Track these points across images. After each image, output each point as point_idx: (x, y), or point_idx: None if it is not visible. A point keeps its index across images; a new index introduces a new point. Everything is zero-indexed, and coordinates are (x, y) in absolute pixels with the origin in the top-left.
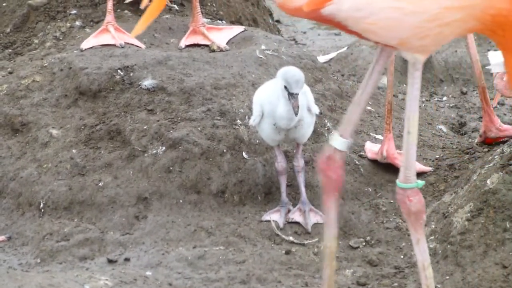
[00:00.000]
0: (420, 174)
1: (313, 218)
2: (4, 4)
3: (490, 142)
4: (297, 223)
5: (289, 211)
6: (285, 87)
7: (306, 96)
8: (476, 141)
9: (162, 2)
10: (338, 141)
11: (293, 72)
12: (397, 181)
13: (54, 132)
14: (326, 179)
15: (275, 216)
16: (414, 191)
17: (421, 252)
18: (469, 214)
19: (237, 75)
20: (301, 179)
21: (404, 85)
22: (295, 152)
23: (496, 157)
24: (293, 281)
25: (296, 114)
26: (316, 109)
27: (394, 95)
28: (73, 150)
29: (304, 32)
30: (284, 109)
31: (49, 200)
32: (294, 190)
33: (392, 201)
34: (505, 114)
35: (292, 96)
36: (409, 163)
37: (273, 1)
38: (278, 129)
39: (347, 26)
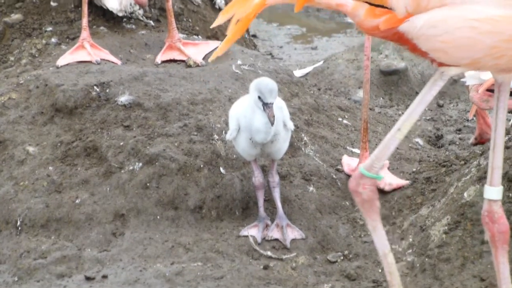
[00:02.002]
0: (397, 188)
1: (291, 234)
2: None
3: (484, 142)
4: (274, 238)
5: (267, 225)
6: (259, 97)
7: (282, 111)
8: (470, 141)
9: (245, 24)
10: (490, 191)
11: (266, 82)
12: (361, 166)
13: (31, 149)
14: (495, 234)
15: (253, 231)
16: (372, 182)
17: (380, 239)
18: (446, 227)
19: (213, 90)
20: (276, 194)
21: (381, 98)
22: (270, 167)
23: (473, 169)
24: None
25: (272, 123)
26: (291, 125)
27: (370, 109)
28: (49, 167)
29: (281, 47)
30: (261, 122)
31: (26, 217)
32: (272, 205)
33: None
34: None
35: (266, 106)
36: (383, 155)
37: (352, 20)
38: (254, 144)
39: (418, 45)
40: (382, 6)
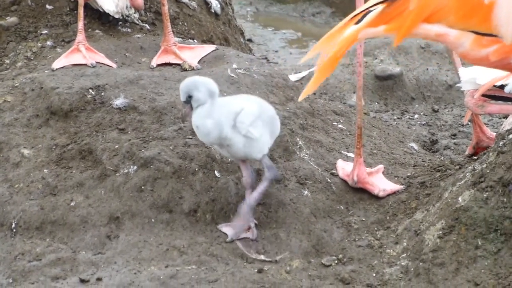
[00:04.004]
0: (392, 193)
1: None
2: None
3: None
4: (268, 242)
5: (249, 228)
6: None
7: (231, 115)
8: (466, 152)
9: (334, 61)
10: None
11: (182, 82)
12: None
13: (26, 152)
14: None
15: (227, 229)
16: None
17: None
18: (441, 232)
19: None
20: (259, 187)
21: (376, 103)
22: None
23: (467, 174)
24: None
25: (182, 121)
26: (252, 133)
27: (365, 113)
28: (44, 170)
29: (276, 51)
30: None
31: (20, 220)
32: (266, 208)
33: (364, 219)
34: None
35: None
36: None
37: (454, 51)
38: (217, 145)
39: None
40: (491, 35)
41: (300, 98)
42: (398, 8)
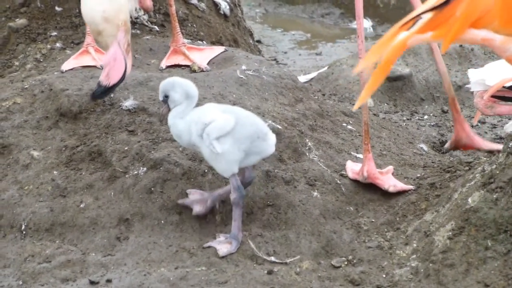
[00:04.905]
0: (401, 193)
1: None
2: None
3: (462, 149)
4: (278, 243)
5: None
6: None
7: (201, 124)
8: (445, 145)
9: (385, 68)
10: None
11: (162, 82)
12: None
13: (35, 153)
14: None
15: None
16: None
17: None
18: (450, 233)
19: (218, 95)
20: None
21: (385, 104)
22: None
23: (477, 175)
24: None
25: (160, 121)
26: (215, 148)
27: (375, 114)
28: (54, 172)
29: (285, 52)
30: None
31: (30, 222)
32: (276, 209)
33: (373, 220)
34: (486, 132)
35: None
36: None
37: (499, 55)
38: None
39: None
40: None
41: (356, 107)
42: (445, 15)
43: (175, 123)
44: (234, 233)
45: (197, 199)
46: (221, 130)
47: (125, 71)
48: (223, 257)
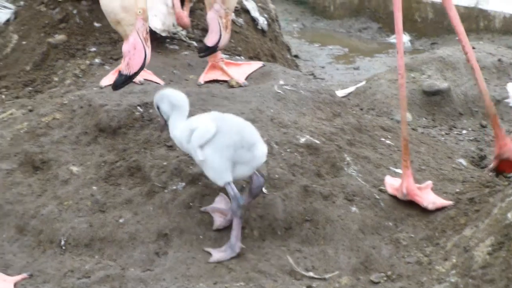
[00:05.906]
0: (441, 208)
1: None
2: (23, 43)
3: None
4: (316, 258)
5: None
6: None
7: (188, 131)
8: (490, 167)
9: None
10: None
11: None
12: None
13: (75, 169)
14: None
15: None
16: None
17: None
18: (490, 248)
19: (256, 110)
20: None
21: (424, 118)
22: None
23: None
24: None
25: (160, 131)
26: (198, 155)
27: (413, 129)
28: (93, 187)
29: (323, 67)
30: None
31: (70, 237)
32: (314, 224)
33: (412, 236)
34: None
35: None
36: None
37: None
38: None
39: None
40: None
41: None
42: None
43: (173, 133)
44: (232, 242)
45: (219, 209)
46: (202, 138)
47: (145, 59)
48: (218, 262)
